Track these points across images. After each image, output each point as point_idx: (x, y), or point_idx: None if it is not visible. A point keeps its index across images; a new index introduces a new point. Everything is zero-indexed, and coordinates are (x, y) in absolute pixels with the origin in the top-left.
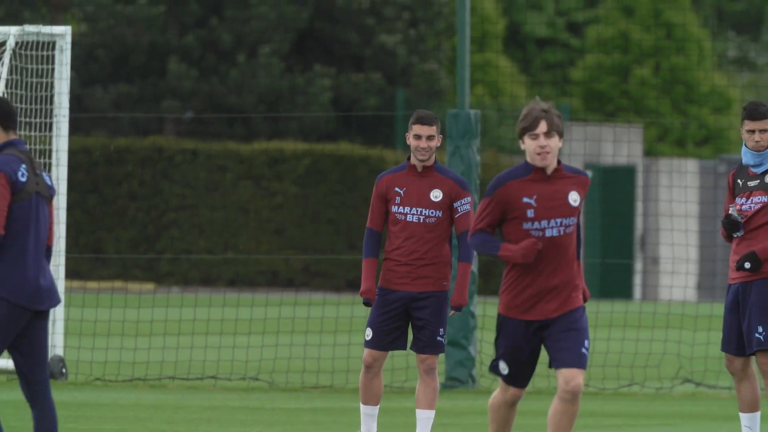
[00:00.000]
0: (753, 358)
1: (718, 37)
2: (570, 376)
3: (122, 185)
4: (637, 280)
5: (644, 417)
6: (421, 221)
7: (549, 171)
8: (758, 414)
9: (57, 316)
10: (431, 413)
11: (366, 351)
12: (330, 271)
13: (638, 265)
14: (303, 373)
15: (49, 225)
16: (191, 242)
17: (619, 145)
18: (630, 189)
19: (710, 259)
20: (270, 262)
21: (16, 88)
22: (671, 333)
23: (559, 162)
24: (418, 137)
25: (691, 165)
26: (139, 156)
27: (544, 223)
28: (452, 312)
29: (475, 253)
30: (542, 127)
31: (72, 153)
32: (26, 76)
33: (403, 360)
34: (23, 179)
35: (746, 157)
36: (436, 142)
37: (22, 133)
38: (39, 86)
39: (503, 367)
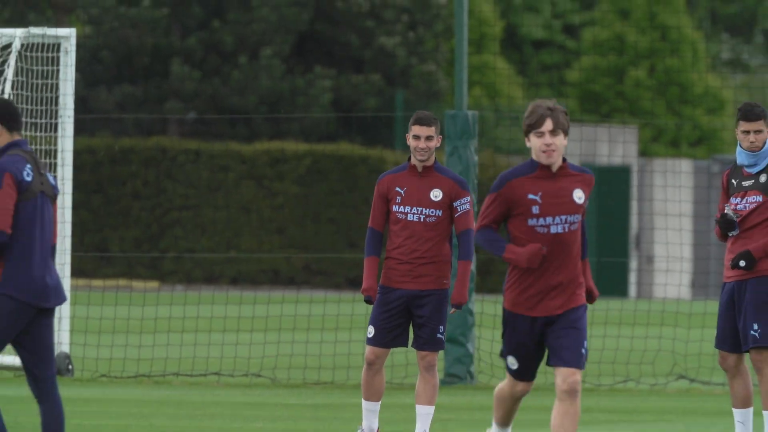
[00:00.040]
0: (746, 355)
1: (712, 39)
2: (567, 374)
3: (126, 185)
4: (632, 278)
5: (639, 412)
6: (422, 220)
7: (554, 168)
8: (751, 410)
9: (63, 313)
10: (431, 409)
11: (368, 348)
12: (331, 269)
13: (633, 264)
14: (305, 369)
15: (53, 224)
16: (194, 241)
17: (615, 145)
18: (625, 189)
19: (704, 257)
20: (272, 260)
21: (21, 90)
22: (666, 330)
23: (564, 160)
24: (417, 138)
25: (685, 165)
26: (143, 156)
27: (549, 219)
28: (452, 309)
29: (474, 251)
30: (548, 125)
31: (77, 153)
32: (32, 78)
33: (402, 357)
34: (29, 179)
35: (741, 157)
36: (435, 143)
37: (28, 133)
38: (44, 87)
39: (512, 362)
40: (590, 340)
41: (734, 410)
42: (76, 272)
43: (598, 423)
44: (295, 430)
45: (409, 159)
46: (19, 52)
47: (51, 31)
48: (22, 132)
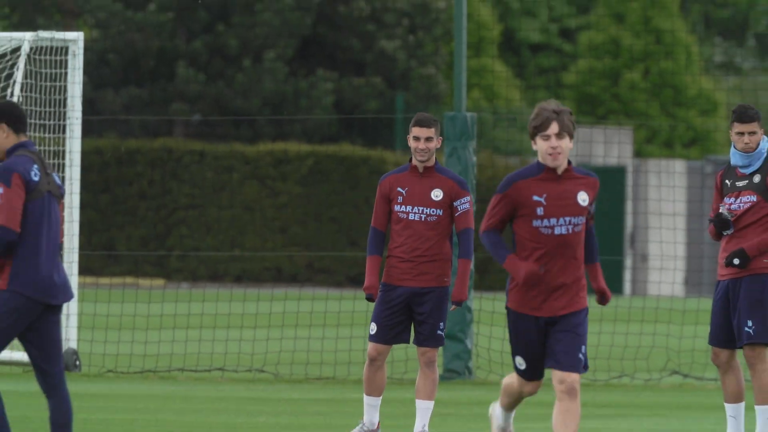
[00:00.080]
0: (738, 352)
1: (705, 43)
2: (563, 376)
3: (133, 185)
4: (627, 276)
5: (634, 407)
6: (423, 219)
7: (559, 171)
8: (742, 404)
9: (71, 310)
10: (430, 404)
11: (371, 345)
12: (332, 267)
13: (628, 262)
14: (307, 365)
15: (59, 222)
16: (199, 240)
17: (610, 146)
18: (620, 188)
19: (697, 256)
20: (275, 258)
21: (30, 92)
22: (660, 327)
23: (569, 163)
24: (417, 139)
25: (678, 165)
26: (149, 157)
27: (553, 220)
28: (453, 307)
29: (473, 250)
30: (553, 128)
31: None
32: (40, 80)
33: (402, 353)
34: (36, 179)
35: (735, 158)
36: (435, 144)
37: (37, 134)
38: (53, 90)
39: (520, 362)
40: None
41: (726, 405)
42: (83, 270)
43: (593, 417)
44: (297, 424)
45: (411, 160)
46: (28, 56)
47: (59, 35)
48: (32, 133)
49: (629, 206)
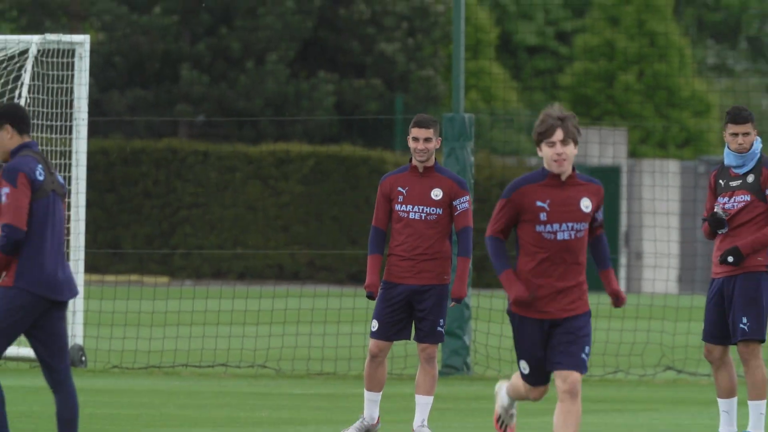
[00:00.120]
0: (730, 348)
1: (698, 45)
2: (566, 375)
3: (138, 184)
4: (622, 273)
5: (628, 402)
6: (423, 218)
7: (563, 177)
8: (735, 399)
9: (77, 307)
10: (430, 399)
11: (372, 341)
12: (333, 265)
13: (623, 260)
14: (308, 360)
15: (63, 220)
16: (203, 238)
17: (605, 146)
18: (615, 188)
19: (690, 254)
20: (277, 256)
21: (38, 93)
22: (654, 323)
23: (573, 169)
24: (416, 140)
25: (672, 165)
26: (154, 157)
27: (555, 226)
28: (452, 303)
29: (472, 248)
30: (558, 134)
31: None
32: (47, 82)
33: (402, 349)
34: (41, 178)
35: (729, 158)
36: (434, 144)
37: (44, 135)
38: (59, 91)
39: (524, 367)
40: None
41: (719, 400)
42: (89, 268)
43: (589, 412)
44: (298, 418)
45: (411, 160)
46: (36, 58)
47: (66, 38)
48: (39, 134)
49: (624, 205)
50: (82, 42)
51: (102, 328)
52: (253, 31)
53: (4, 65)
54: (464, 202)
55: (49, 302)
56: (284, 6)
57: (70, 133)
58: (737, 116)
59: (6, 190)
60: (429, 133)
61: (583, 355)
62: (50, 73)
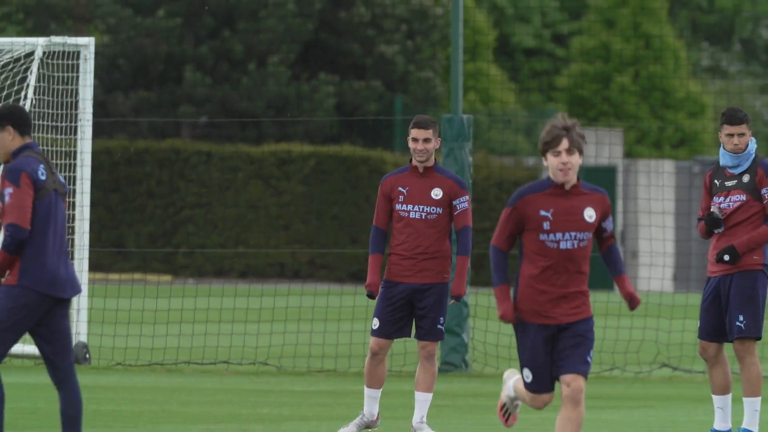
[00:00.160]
0: (725, 346)
1: (693, 48)
2: (570, 380)
3: (142, 184)
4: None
5: (624, 399)
6: (423, 218)
7: (567, 187)
8: (729, 396)
9: (81, 305)
10: (429, 396)
11: (373, 339)
12: (333, 263)
13: None
14: (309, 358)
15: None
16: (205, 237)
17: (601, 147)
18: (611, 188)
19: (685, 252)
20: (278, 255)
21: (43, 95)
22: (649, 321)
23: (578, 179)
24: (415, 140)
25: (667, 166)
26: (158, 157)
27: (558, 235)
28: (451, 301)
29: (471, 247)
30: (564, 144)
31: (95, 154)
32: (53, 84)
33: (401, 346)
34: (43, 177)
35: (724, 158)
36: (433, 145)
37: (50, 136)
38: (65, 93)
39: (527, 375)
40: None
41: (714, 397)
42: (93, 266)
43: (585, 409)
44: (299, 415)
45: (411, 161)
46: (41, 60)
47: (71, 40)
48: (44, 134)
49: (620, 205)
50: (86, 44)
51: (106, 325)
52: (255, 34)
53: (10, 67)
54: (464, 202)
55: (53, 300)
56: (285, 9)
57: (75, 133)
58: (733, 117)
59: (9, 190)
60: (428, 133)
61: (588, 359)
62: (55, 74)
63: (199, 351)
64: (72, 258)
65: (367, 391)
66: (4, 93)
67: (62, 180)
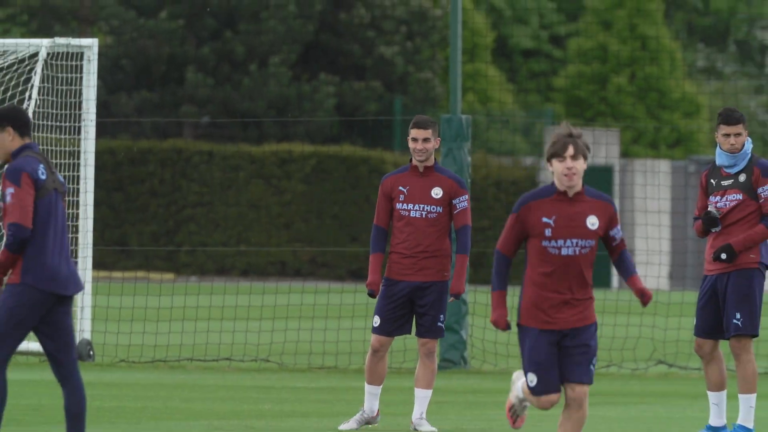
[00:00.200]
0: (720, 343)
1: (689, 49)
2: (575, 385)
3: (144, 183)
4: (615, 270)
5: (621, 395)
6: (423, 216)
7: (571, 194)
8: (725, 392)
9: (85, 303)
10: (429, 392)
11: (374, 337)
12: (334, 262)
13: None
14: (310, 355)
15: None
16: (207, 235)
17: (598, 147)
18: (608, 187)
19: (681, 251)
20: (279, 253)
21: (47, 95)
22: (646, 318)
23: (583, 185)
24: (415, 140)
25: (663, 165)
26: (160, 157)
27: (560, 242)
28: (451, 299)
29: (470, 245)
30: (570, 150)
31: (98, 154)
32: (57, 84)
33: (401, 343)
34: (43, 177)
35: (721, 158)
36: (432, 144)
37: (53, 136)
38: (68, 93)
39: (531, 379)
40: None
41: (709, 393)
42: (97, 265)
43: None
44: (300, 411)
45: (411, 160)
46: (46, 61)
47: (75, 42)
48: (48, 134)
49: (616, 204)
50: (90, 45)
51: (109, 323)
52: (257, 35)
53: (15, 68)
54: (463, 201)
55: (55, 297)
56: (286, 11)
57: (79, 133)
58: (729, 117)
59: (11, 190)
60: (427, 133)
61: (591, 366)
62: (59, 75)
63: (201, 348)
64: (75, 256)
65: (367, 387)
66: (9, 93)
67: (62, 179)
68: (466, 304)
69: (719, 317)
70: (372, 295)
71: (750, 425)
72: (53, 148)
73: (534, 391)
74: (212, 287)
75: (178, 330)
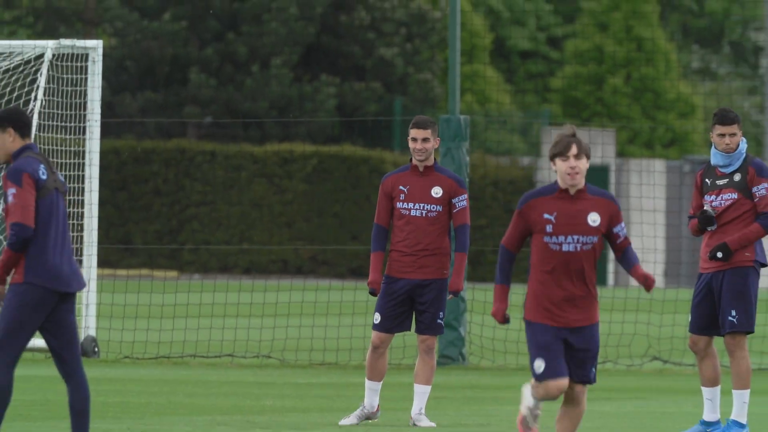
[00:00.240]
0: (714, 339)
1: (683, 50)
2: (573, 386)
3: (148, 183)
4: (611, 267)
5: (617, 391)
6: (423, 215)
7: (572, 192)
8: (718, 388)
9: (90, 300)
10: (428, 388)
11: (374, 333)
12: (335, 260)
13: (611, 254)
14: (311, 351)
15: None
16: (210, 234)
17: (594, 146)
18: (604, 187)
19: (676, 249)
20: (281, 252)
21: (52, 96)
22: (641, 315)
23: (585, 184)
24: (414, 140)
25: (658, 165)
26: (164, 157)
27: (561, 238)
28: (450, 296)
29: (469, 244)
30: (573, 150)
31: (103, 154)
32: (62, 85)
33: (401, 340)
34: (44, 177)
35: (716, 158)
36: (432, 144)
37: (59, 136)
38: (73, 94)
39: (539, 365)
40: None
41: (703, 389)
42: (102, 263)
43: None
44: (301, 407)
45: (411, 160)
46: (51, 62)
47: (80, 43)
48: (53, 135)
49: None
50: (95, 47)
51: (114, 320)
52: (259, 37)
53: (21, 69)
54: (463, 200)
55: (58, 294)
56: (288, 13)
57: (84, 133)
58: (724, 118)
59: (12, 190)
60: (427, 133)
61: (593, 368)
62: (65, 76)
63: (204, 344)
64: (80, 254)
65: (367, 383)
66: (15, 94)
67: (62, 179)
68: (464, 301)
69: (714, 314)
70: (373, 293)
71: (743, 420)
72: (58, 148)
73: (542, 376)
74: (215, 285)
75: (182, 327)
